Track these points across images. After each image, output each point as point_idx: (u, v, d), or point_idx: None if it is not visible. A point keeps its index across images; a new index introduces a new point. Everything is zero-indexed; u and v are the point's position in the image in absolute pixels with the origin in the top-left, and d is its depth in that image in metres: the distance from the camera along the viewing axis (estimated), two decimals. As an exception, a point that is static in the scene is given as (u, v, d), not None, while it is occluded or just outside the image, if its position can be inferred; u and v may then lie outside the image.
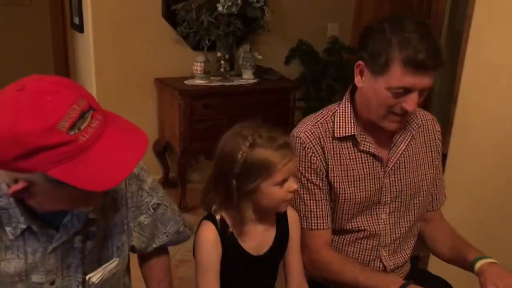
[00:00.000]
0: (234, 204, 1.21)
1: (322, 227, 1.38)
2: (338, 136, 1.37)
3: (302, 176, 1.35)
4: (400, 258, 1.47)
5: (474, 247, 1.40)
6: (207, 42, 3.22)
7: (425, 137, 1.47)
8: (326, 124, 1.38)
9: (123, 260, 1.19)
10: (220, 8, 3.06)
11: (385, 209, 1.42)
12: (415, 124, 1.42)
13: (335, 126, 1.37)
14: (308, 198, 1.37)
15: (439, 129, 1.51)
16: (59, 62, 4.43)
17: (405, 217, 1.45)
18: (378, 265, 1.45)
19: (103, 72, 3.27)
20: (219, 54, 3.30)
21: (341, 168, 1.37)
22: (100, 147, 0.87)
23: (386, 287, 1.26)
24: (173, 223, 1.29)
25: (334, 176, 1.36)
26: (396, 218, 1.44)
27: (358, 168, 1.38)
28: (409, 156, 1.43)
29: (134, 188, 1.18)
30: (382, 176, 1.40)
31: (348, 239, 1.44)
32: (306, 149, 1.35)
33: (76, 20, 3.55)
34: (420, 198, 1.46)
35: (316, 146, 1.35)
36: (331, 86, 3.80)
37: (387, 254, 1.45)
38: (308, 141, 1.35)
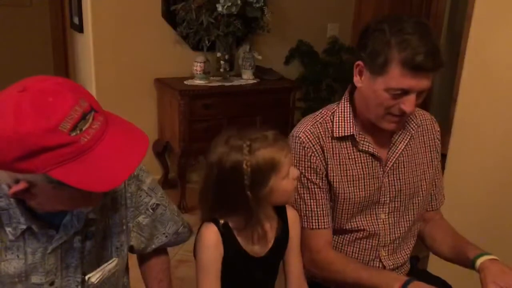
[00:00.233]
0: (254, 214, 1.19)
1: (323, 226, 1.38)
2: (337, 135, 1.37)
3: (302, 175, 1.35)
4: (400, 258, 1.47)
5: (474, 244, 1.40)
6: (207, 43, 3.22)
7: (424, 137, 1.47)
8: (325, 124, 1.38)
9: (122, 260, 1.20)
10: (219, 8, 3.05)
11: (384, 209, 1.42)
12: (414, 124, 1.43)
13: (334, 126, 1.37)
14: (309, 198, 1.37)
15: (438, 129, 1.51)
16: (58, 62, 4.42)
17: (404, 217, 1.45)
18: (377, 265, 1.45)
19: (102, 72, 3.27)
20: (218, 54, 3.30)
21: (340, 167, 1.37)
22: (102, 148, 0.88)
23: (390, 285, 1.25)
24: (172, 224, 1.29)
25: (333, 176, 1.36)
26: (395, 218, 1.44)
27: (357, 167, 1.38)
28: (408, 156, 1.43)
29: (133, 188, 1.18)
30: (381, 175, 1.40)
31: (348, 239, 1.44)
32: (305, 148, 1.35)
33: (76, 20, 3.55)
34: (419, 198, 1.46)
35: (315, 146, 1.35)
36: (330, 87, 3.80)
37: (387, 254, 1.45)
38: (308, 140, 1.35)
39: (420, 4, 3.85)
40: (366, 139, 1.38)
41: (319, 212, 1.37)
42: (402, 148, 1.41)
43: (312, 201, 1.37)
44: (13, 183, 0.89)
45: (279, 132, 1.24)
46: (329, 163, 1.36)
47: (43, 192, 0.90)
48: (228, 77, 3.33)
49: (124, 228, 1.18)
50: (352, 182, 1.37)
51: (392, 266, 1.45)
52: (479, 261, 1.31)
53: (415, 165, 1.44)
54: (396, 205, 1.43)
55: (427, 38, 1.20)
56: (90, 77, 3.33)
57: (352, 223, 1.41)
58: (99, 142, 0.88)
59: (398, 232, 1.45)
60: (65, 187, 0.86)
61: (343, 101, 1.40)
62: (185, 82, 3.22)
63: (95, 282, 1.12)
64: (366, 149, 1.37)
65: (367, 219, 1.42)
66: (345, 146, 1.38)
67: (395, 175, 1.41)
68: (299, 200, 1.37)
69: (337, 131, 1.37)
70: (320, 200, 1.37)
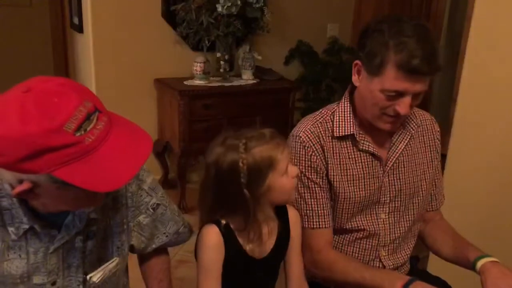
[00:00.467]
0: (251, 213, 1.19)
1: (324, 226, 1.38)
2: (338, 135, 1.37)
3: (302, 175, 1.35)
4: (400, 258, 1.48)
5: (474, 245, 1.40)
6: (207, 43, 3.22)
7: (424, 137, 1.48)
8: (325, 123, 1.39)
9: (123, 259, 1.20)
10: (219, 8, 3.05)
11: (384, 209, 1.42)
12: (414, 124, 1.43)
13: (335, 125, 1.38)
14: (309, 197, 1.37)
15: (438, 129, 1.51)
16: (58, 62, 4.42)
17: (404, 216, 1.46)
18: (377, 265, 1.45)
19: (102, 72, 3.27)
20: (218, 54, 3.30)
21: (340, 167, 1.37)
22: (106, 149, 0.88)
23: (392, 284, 1.25)
24: (173, 224, 1.29)
25: (333, 175, 1.37)
26: (395, 218, 1.44)
27: (358, 167, 1.38)
28: (408, 156, 1.43)
29: (134, 187, 1.19)
30: (381, 175, 1.40)
31: (348, 239, 1.44)
32: (306, 148, 1.35)
33: (76, 20, 3.55)
34: (419, 198, 1.46)
35: (316, 145, 1.35)
36: (330, 87, 3.80)
37: (387, 254, 1.45)
38: (308, 140, 1.35)
39: (420, 4, 3.85)
40: (366, 139, 1.38)
41: (319, 212, 1.37)
42: (402, 148, 1.41)
43: (312, 200, 1.37)
44: (17, 183, 0.89)
45: (278, 132, 1.24)
46: (329, 162, 1.36)
47: (47, 192, 0.91)
48: (228, 77, 3.33)
49: (125, 228, 1.18)
50: (352, 182, 1.38)
51: (392, 266, 1.46)
52: (479, 263, 1.31)
53: (415, 165, 1.45)
54: (396, 205, 1.43)
55: (425, 42, 1.20)
56: (90, 77, 3.33)
57: (352, 223, 1.41)
58: (103, 142, 0.88)
59: (398, 232, 1.45)
60: (69, 187, 0.86)
61: (343, 100, 1.41)
62: (185, 82, 3.22)
63: (97, 282, 1.12)
64: (366, 149, 1.38)
65: (367, 218, 1.42)
66: (345, 146, 1.38)
67: (395, 175, 1.41)
68: (299, 199, 1.38)
69: (337, 131, 1.37)
70: (321, 200, 1.37)
